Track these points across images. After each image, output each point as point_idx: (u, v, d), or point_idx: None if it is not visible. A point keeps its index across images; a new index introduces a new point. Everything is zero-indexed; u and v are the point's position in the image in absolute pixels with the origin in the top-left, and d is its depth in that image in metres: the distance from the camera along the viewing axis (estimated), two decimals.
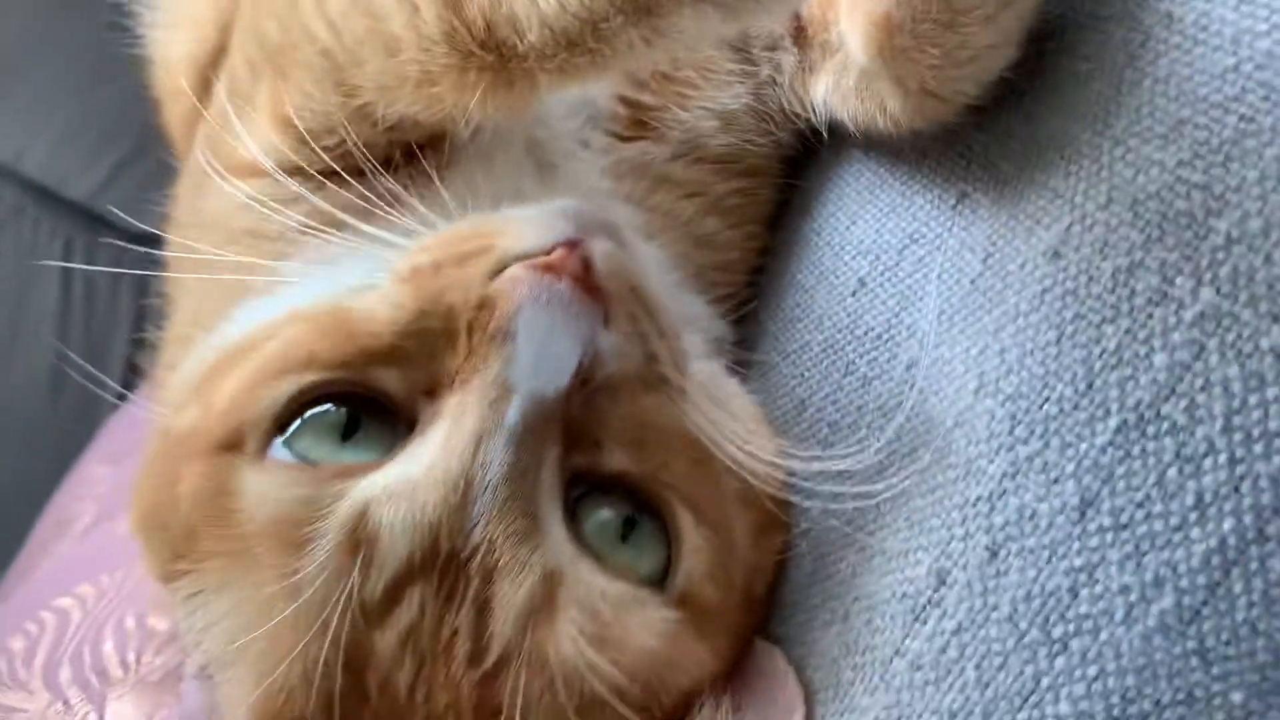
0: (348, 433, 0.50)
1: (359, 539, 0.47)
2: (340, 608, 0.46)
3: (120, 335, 1.59)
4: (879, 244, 0.59)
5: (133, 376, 1.60)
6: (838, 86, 0.58)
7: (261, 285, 0.60)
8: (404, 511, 0.47)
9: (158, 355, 0.72)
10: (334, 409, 0.50)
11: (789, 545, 0.56)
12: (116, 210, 1.54)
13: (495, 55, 0.48)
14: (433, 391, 0.50)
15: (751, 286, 0.68)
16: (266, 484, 0.49)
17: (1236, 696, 0.40)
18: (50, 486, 1.59)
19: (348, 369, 0.50)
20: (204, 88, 0.72)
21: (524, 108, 0.50)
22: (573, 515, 0.50)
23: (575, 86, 0.49)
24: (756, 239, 0.68)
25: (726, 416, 0.54)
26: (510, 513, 0.47)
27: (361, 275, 0.54)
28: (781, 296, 0.65)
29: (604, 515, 0.50)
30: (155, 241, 1.66)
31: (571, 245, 0.50)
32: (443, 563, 0.47)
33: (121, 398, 1.58)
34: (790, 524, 0.56)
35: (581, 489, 0.50)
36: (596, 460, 0.50)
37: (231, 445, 0.51)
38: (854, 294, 0.59)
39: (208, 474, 0.51)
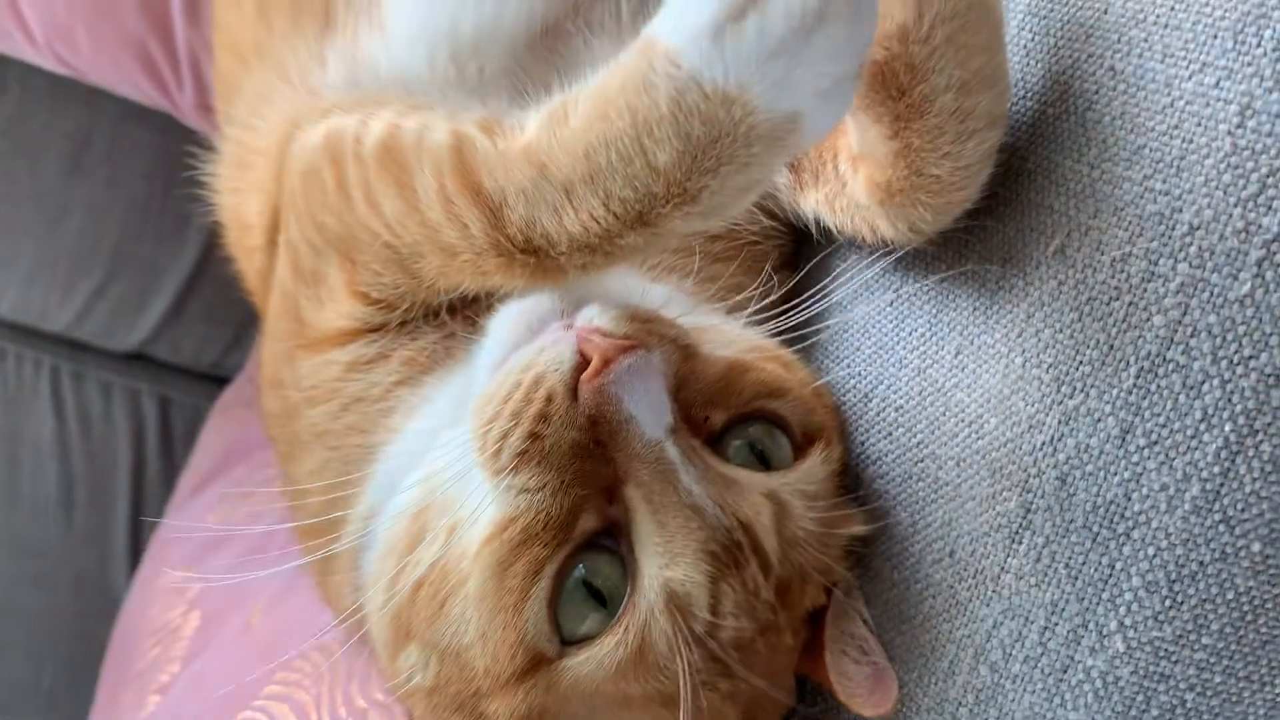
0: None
1: (677, 607, 0.60)
2: (692, 662, 0.60)
3: (122, 451, 1.65)
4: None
5: (142, 488, 1.66)
6: (830, 204, 0.69)
7: (385, 449, 0.71)
8: (683, 567, 0.60)
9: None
10: (570, 581, 0.61)
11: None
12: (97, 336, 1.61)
13: (534, 256, 0.58)
14: (611, 490, 0.61)
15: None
16: (588, 657, 0.60)
17: (1255, 547, 0.54)
18: (78, 606, 1.64)
19: (559, 546, 0.61)
20: (273, 245, 0.81)
21: (559, 285, 0.61)
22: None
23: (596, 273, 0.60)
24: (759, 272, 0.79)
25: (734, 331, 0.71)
26: (718, 490, 0.61)
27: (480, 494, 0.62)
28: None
29: (742, 450, 0.66)
30: (139, 360, 1.74)
31: (569, 327, 0.61)
32: (723, 553, 0.60)
33: (134, 509, 1.65)
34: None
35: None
36: (711, 427, 0.65)
37: (531, 668, 0.61)
38: (890, 303, 0.74)
39: (523, 701, 0.61)
